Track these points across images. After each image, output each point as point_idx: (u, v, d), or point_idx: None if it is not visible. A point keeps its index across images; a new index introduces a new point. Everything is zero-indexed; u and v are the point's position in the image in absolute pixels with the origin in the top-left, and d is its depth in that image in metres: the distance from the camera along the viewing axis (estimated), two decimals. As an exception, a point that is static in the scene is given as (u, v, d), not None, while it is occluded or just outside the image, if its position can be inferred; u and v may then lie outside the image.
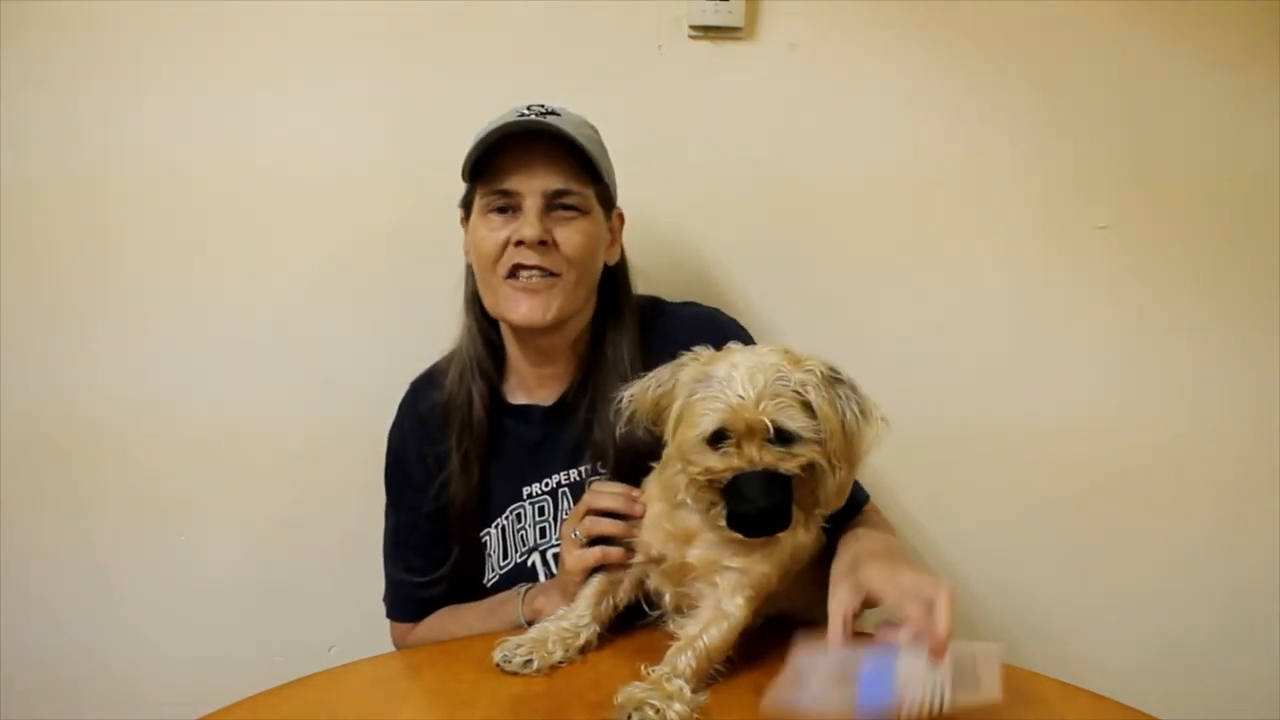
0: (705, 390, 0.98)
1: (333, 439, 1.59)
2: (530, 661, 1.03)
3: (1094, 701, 1.01)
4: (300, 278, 1.56)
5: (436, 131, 1.51)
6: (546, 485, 1.28)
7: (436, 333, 1.35)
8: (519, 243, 1.19)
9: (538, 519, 1.27)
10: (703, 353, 1.03)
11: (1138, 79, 1.53)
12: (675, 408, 1.01)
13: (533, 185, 1.19)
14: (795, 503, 1.00)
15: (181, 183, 1.54)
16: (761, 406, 0.95)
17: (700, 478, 0.99)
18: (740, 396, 0.96)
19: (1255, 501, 1.61)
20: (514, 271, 1.20)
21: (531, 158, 1.19)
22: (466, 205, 1.28)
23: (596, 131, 1.28)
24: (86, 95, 1.52)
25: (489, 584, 1.30)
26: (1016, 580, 1.65)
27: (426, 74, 1.53)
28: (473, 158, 1.20)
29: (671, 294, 1.39)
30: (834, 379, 1.00)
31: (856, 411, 0.99)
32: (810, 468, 0.99)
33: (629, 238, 1.32)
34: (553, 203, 1.20)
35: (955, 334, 1.59)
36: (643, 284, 1.37)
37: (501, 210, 1.21)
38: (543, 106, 1.22)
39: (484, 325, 1.30)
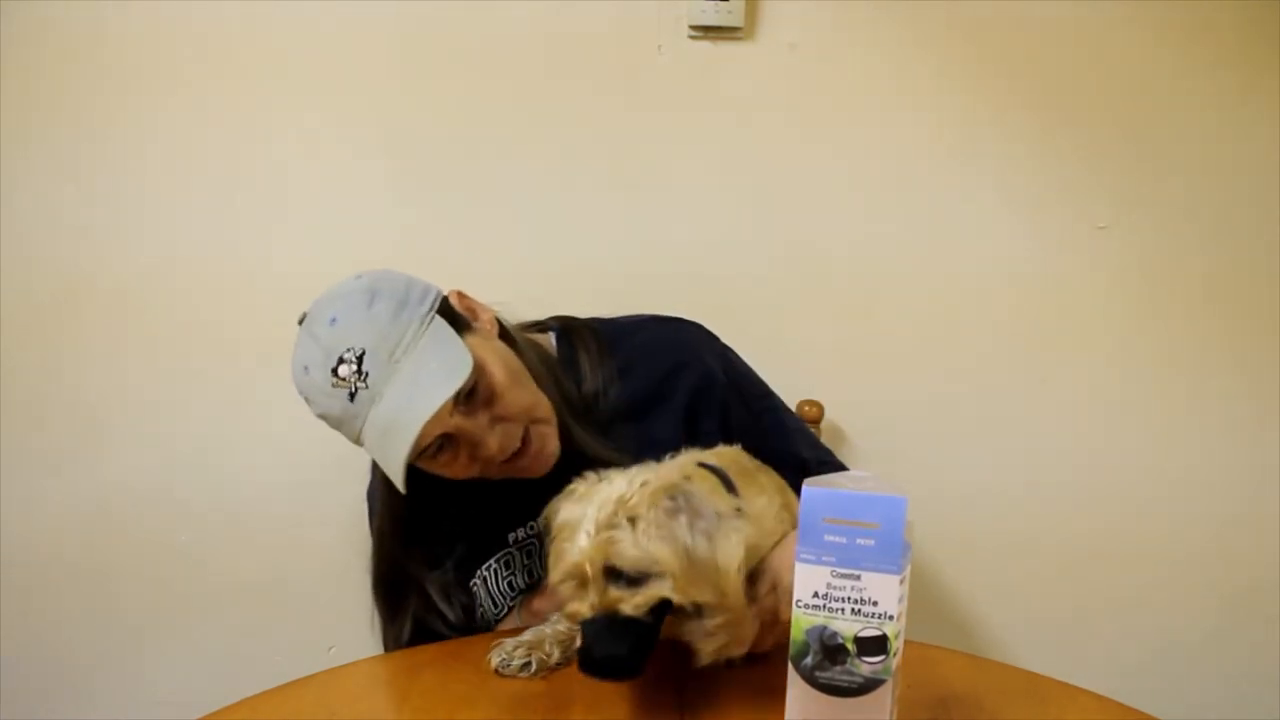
0: (558, 533, 0.93)
1: (334, 438, 1.58)
2: (528, 665, 1.03)
3: (1095, 701, 1.01)
4: (301, 273, 1.56)
5: (437, 138, 1.52)
6: (532, 529, 1.23)
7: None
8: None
9: (525, 562, 1.23)
10: (579, 485, 0.95)
11: (1137, 79, 1.53)
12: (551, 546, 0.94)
13: (440, 420, 1.02)
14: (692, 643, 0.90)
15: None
16: (592, 547, 0.88)
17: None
18: (586, 536, 0.88)
19: (1255, 501, 1.61)
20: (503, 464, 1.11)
21: None
22: None
23: (386, 302, 1.06)
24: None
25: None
26: (1016, 580, 1.66)
27: (426, 77, 1.53)
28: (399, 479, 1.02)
29: (670, 294, 1.39)
30: (672, 509, 0.88)
31: (705, 538, 0.87)
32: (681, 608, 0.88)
33: (629, 237, 1.31)
34: (460, 400, 1.04)
35: (954, 332, 1.60)
36: (641, 284, 1.36)
37: (438, 450, 1.06)
38: (353, 369, 1.06)
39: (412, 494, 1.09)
